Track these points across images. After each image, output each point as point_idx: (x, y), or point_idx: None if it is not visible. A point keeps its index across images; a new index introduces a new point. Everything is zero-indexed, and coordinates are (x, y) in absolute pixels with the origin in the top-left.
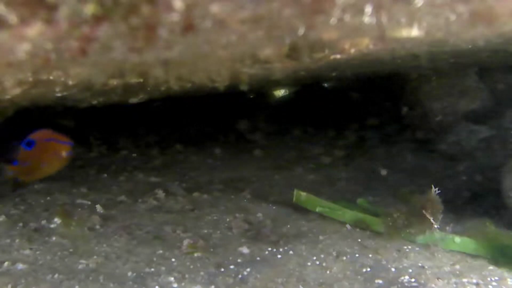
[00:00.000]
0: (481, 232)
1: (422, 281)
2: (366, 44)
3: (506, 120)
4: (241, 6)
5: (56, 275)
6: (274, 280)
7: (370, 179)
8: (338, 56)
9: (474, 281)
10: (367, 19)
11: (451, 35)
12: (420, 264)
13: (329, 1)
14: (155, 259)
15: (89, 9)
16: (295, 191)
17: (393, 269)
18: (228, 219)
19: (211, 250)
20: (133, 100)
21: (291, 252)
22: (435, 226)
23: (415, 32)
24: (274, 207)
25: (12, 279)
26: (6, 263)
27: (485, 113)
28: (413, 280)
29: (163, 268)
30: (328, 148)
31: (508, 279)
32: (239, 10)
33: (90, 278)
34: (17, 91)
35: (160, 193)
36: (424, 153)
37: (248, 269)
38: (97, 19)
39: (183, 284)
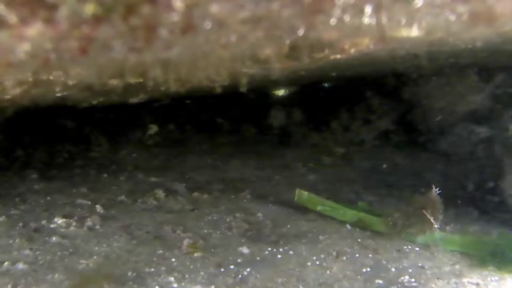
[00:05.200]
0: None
1: (422, 281)
2: (366, 44)
3: (506, 120)
4: (241, 6)
5: (56, 275)
6: (274, 280)
7: (370, 179)
8: (338, 56)
9: (474, 281)
10: (367, 19)
11: (451, 35)
12: (420, 264)
13: (329, 1)
14: (155, 259)
15: (89, 9)
16: (297, 190)
17: (393, 269)
18: (228, 219)
19: (211, 250)
20: (133, 100)
21: (291, 252)
22: (435, 226)
23: (415, 32)
24: (274, 207)
25: (12, 279)
26: (6, 263)
27: (485, 113)
28: (413, 280)
29: (163, 268)
30: (327, 147)
31: (508, 279)
32: (239, 10)
33: (90, 278)
34: (17, 91)
35: (160, 193)
36: (424, 153)
37: (248, 269)
38: (97, 19)
39: (183, 284)
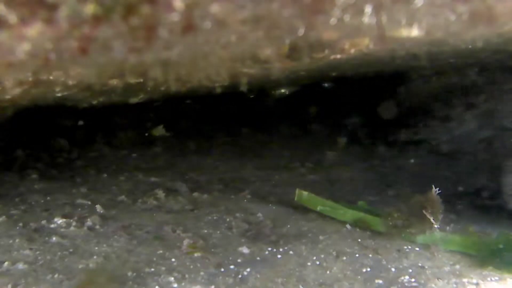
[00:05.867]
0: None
1: (422, 281)
2: (366, 44)
3: (506, 120)
4: (241, 6)
5: (56, 275)
6: (274, 280)
7: (370, 179)
8: (338, 56)
9: (474, 281)
10: (367, 19)
11: (451, 35)
12: (420, 264)
13: (329, 1)
14: (155, 259)
15: (89, 9)
16: (297, 190)
17: (393, 269)
18: (228, 219)
19: (211, 250)
20: (133, 100)
21: (291, 252)
22: (435, 226)
23: (415, 32)
24: (274, 207)
25: (12, 279)
26: (6, 263)
27: (485, 113)
28: (413, 280)
29: (163, 268)
30: (327, 147)
31: (508, 279)
32: (239, 10)
33: (90, 278)
34: (17, 91)
35: (160, 193)
36: (424, 152)
37: (248, 269)
38: (97, 19)
39: (183, 284)
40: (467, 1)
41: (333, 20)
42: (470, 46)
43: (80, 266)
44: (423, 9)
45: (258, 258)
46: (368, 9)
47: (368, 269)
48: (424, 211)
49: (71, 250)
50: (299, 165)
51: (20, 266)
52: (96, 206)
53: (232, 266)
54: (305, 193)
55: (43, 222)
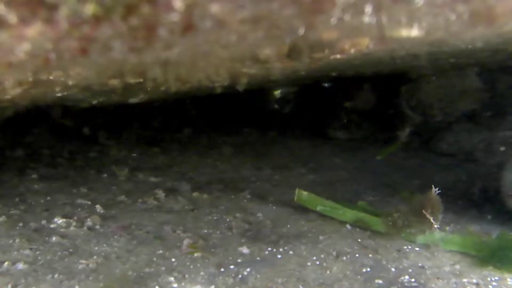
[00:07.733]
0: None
1: (422, 281)
2: (366, 44)
3: (506, 120)
4: (241, 6)
5: (56, 275)
6: (274, 280)
7: (370, 179)
8: (338, 56)
9: (474, 281)
10: (367, 19)
11: (451, 35)
12: (420, 264)
13: (329, 1)
14: (155, 259)
15: (89, 9)
16: (297, 190)
17: (393, 269)
18: (228, 219)
19: (211, 250)
20: (133, 100)
21: (291, 252)
22: (435, 226)
23: (415, 32)
24: (274, 207)
25: (12, 279)
26: (6, 263)
27: (485, 113)
28: (413, 280)
29: (163, 268)
30: (327, 147)
31: (508, 279)
32: (239, 10)
33: (90, 278)
34: (17, 91)
35: (160, 193)
36: (424, 152)
37: (248, 269)
38: (97, 19)
39: (183, 284)
40: (467, 1)
41: (333, 20)
42: (470, 46)
43: (80, 266)
44: (423, 9)
45: (258, 258)
46: (368, 9)
47: (368, 269)
48: (424, 211)
49: (71, 250)
50: (299, 165)
51: (20, 266)
52: (96, 206)
53: (232, 266)
54: (305, 193)
55: (43, 222)
